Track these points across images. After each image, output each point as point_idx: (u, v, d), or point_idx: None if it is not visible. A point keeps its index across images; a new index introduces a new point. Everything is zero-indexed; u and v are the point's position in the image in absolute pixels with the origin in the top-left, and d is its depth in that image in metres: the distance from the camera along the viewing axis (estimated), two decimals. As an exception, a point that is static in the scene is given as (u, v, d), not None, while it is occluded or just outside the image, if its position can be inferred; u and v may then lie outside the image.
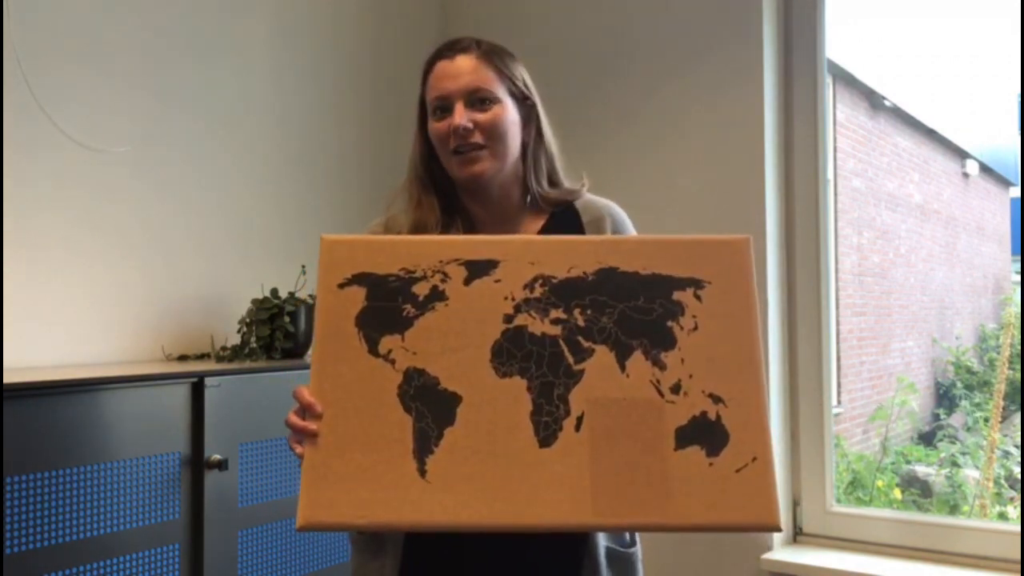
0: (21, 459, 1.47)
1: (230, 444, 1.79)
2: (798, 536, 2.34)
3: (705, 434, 1.03)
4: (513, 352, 1.05)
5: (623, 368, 1.05)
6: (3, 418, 1.45)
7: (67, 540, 1.53)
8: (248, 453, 1.83)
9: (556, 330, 1.06)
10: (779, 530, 1.01)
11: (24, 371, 1.77)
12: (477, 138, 1.27)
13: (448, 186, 1.35)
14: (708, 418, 1.03)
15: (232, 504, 1.79)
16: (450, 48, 1.32)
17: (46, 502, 1.50)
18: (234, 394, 1.81)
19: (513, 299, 1.07)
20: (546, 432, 1.02)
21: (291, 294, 2.17)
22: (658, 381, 1.05)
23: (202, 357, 2.16)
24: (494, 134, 1.28)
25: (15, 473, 1.46)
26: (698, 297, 1.08)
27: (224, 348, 2.12)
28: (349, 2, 2.66)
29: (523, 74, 1.36)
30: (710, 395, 1.04)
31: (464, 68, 1.30)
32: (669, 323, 1.07)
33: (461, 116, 1.27)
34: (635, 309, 1.07)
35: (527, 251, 1.09)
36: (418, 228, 1.32)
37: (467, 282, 1.08)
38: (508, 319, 1.06)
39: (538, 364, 1.05)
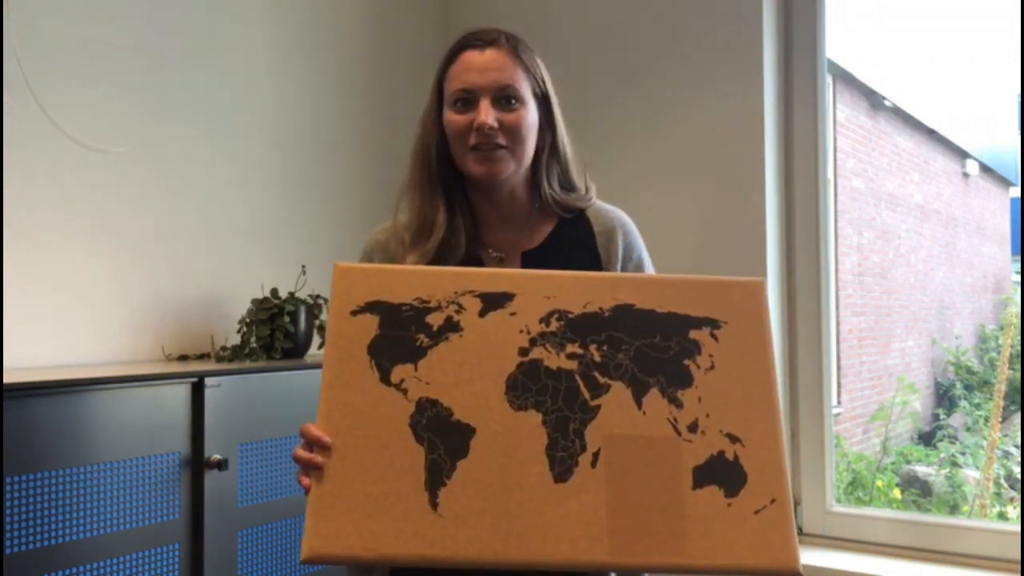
0: (21, 459, 1.47)
1: (230, 444, 1.79)
2: (798, 536, 2.34)
3: (723, 474, 1.01)
4: (528, 385, 1.03)
5: (640, 405, 1.04)
6: (3, 418, 1.45)
7: (67, 540, 1.53)
8: (248, 453, 1.83)
9: (572, 365, 1.04)
10: (799, 574, 0.98)
11: (24, 371, 1.77)
12: (500, 139, 1.24)
13: (454, 180, 1.32)
14: (725, 458, 1.02)
15: (232, 504, 1.79)
16: (479, 38, 1.28)
17: (46, 502, 1.50)
18: (234, 394, 1.81)
19: (528, 332, 1.06)
20: (562, 467, 1.00)
21: (291, 294, 2.17)
22: (675, 419, 1.03)
23: (202, 357, 2.16)
24: (517, 136, 1.25)
25: (15, 473, 1.46)
26: (714, 337, 1.07)
27: (224, 348, 2.12)
28: (350, 4, 2.66)
29: (544, 72, 1.32)
30: (727, 435, 1.03)
31: (494, 63, 1.25)
32: (686, 361, 1.06)
33: (488, 114, 1.23)
34: (651, 347, 1.06)
35: (543, 285, 1.08)
36: (422, 226, 1.29)
37: (482, 314, 1.06)
38: (523, 352, 1.05)
39: (554, 398, 1.03)
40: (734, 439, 1.03)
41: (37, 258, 1.91)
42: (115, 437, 1.61)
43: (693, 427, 1.03)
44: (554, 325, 1.06)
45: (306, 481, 1.01)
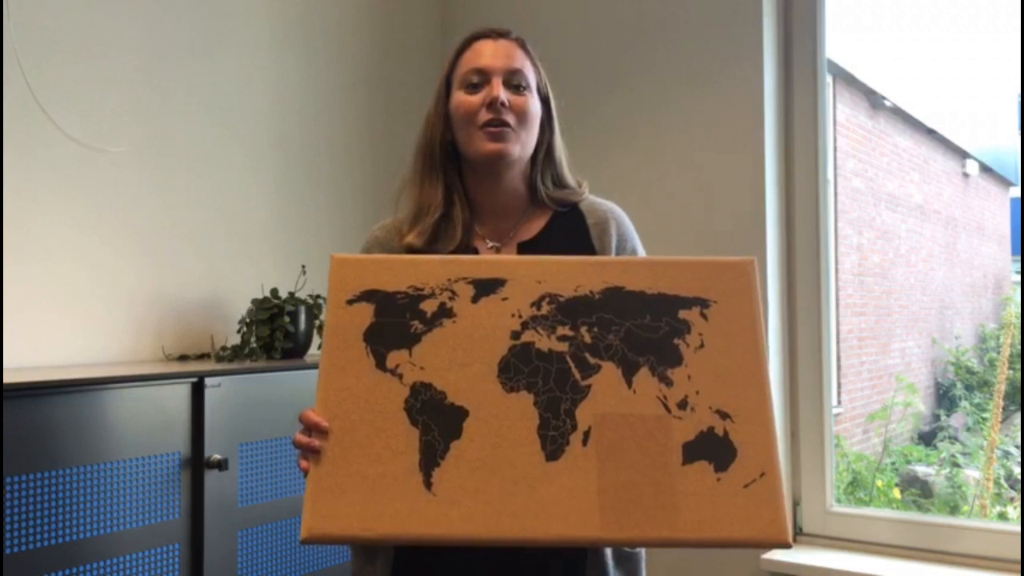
0: (21, 459, 1.48)
1: (230, 444, 1.79)
2: (798, 536, 2.34)
3: (712, 449, 1.02)
4: (520, 368, 1.05)
5: (630, 384, 1.05)
6: (3, 418, 1.45)
7: (67, 540, 1.53)
8: (248, 453, 1.83)
9: (563, 347, 1.06)
10: (788, 546, 0.99)
11: (24, 371, 1.77)
12: (510, 117, 1.28)
13: (455, 170, 1.35)
14: (715, 434, 1.03)
15: (232, 504, 1.79)
16: (491, 30, 1.36)
17: (46, 502, 1.50)
18: (234, 394, 1.81)
19: (520, 316, 1.07)
20: (553, 446, 1.02)
21: (291, 294, 2.17)
22: (665, 397, 1.05)
23: (202, 357, 2.16)
24: (524, 120, 1.30)
25: (15, 473, 1.47)
26: (704, 316, 1.08)
27: (224, 348, 2.12)
28: (350, 3, 2.66)
29: (546, 77, 1.39)
30: (717, 411, 1.04)
31: (506, 50, 1.32)
32: (675, 341, 1.07)
33: (500, 90, 1.28)
34: (641, 327, 1.07)
35: (534, 270, 1.10)
36: (420, 208, 1.32)
37: (475, 300, 1.08)
38: (515, 335, 1.06)
39: (545, 380, 1.05)
40: (724, 415, 1.04)
41: (37, 258, 1.91)
42: (115, 437, 1.61)
43: (683, 404, 1.04)
44: (545, 309, 1.08)
45: (305, 464, 1.04)
